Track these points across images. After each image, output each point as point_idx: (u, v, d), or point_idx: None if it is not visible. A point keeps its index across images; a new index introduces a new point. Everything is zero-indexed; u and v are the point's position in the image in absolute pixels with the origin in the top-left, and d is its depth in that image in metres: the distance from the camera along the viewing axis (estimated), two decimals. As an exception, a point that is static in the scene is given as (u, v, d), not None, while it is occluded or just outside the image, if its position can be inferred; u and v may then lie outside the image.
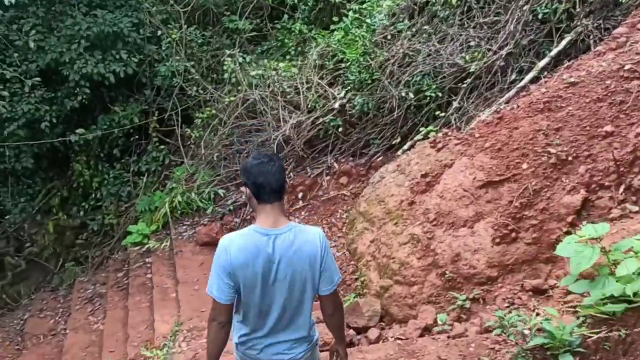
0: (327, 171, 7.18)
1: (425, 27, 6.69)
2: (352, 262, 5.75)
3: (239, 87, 7.60)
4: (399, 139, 6.74)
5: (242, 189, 2.64)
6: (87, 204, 9.28)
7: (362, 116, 7.01)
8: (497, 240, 3.92)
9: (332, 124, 7.04)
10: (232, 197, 7.43)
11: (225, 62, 7.52)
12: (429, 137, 5.85)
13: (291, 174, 7.28)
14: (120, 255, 7.94)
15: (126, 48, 8.11)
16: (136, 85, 8.70)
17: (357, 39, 6.68)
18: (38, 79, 7.58)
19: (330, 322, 2.76)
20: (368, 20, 6.81)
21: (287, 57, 8.19)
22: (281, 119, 7.23)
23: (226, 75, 7.66)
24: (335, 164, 7.16)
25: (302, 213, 7.14)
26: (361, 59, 6.65)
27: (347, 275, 5.73)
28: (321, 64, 7.55)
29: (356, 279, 5.04)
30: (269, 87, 7.47)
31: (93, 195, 9.18)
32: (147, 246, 7.46)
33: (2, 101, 7.50)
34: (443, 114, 6.28)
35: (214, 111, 7.79)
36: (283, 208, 2.56)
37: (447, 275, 3.97)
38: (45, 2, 8.11)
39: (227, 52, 7.77)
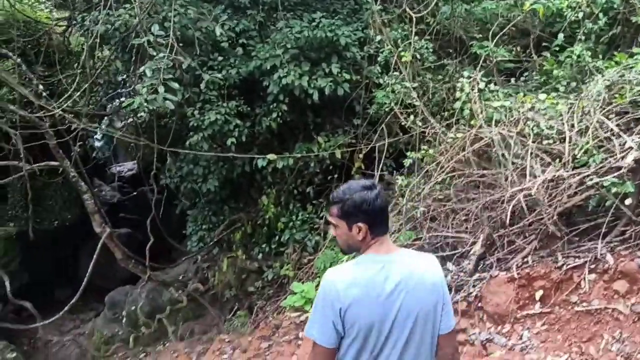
0: (593, 265, 4.34)
1: None
2: None
3: (472, 122, 5.34)
4: None
5: (354, 229, 2.17)
6: (268, 246, 7.81)
7: (673, 184, 4.11)
8: None
9: (613, 190, 4.25)
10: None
11: (460, 83, 5.36)
12: None
13: (529, 258, 4.63)
14: (275, 318, 6.12)
15: (341, 63, 6.53)
16: (346, 113, 7.04)
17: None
18: (217, 75, 6.32)
19: None
20: None
21: (554, 94, 5.69)
22: (527, 173, 4.72)
23: (457, 104, 5.49)
24: (609, 257, 4.28)
25: (537, 323, 4.41)
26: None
27: None
28: (608, 101, 4.88)
29: None
30: (515, 124, 5.06)
31: (277, 237, 7.68)
32: (306, 315, 5.50)
33: (192, 107, 6.47)
34: None
35: (431, 151, 5.62)
36: None
37: None
38: (267, 8, 7.06)
39: (465, 73, 5.61)
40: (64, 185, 10.21)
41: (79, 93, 6.43)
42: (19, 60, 6.58)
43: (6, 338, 9.04)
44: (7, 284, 7.15)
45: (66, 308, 7.03)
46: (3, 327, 8.24)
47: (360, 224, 2.16)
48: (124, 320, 9.42)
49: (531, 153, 4.81)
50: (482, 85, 5.44)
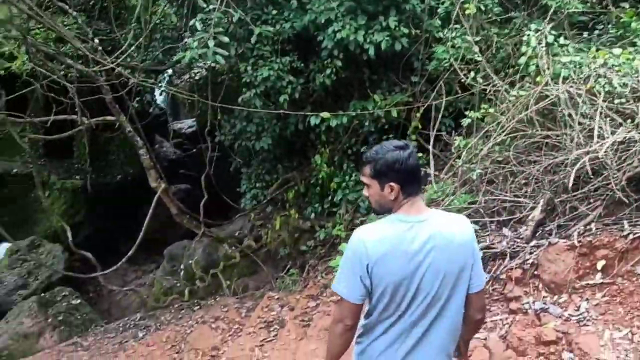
0: (664, 236, 4.02)
1: None
2: None
3: (538, 79, 4.97)
4: None
5: (386, 189, 2.17)
6: (321, 206, 7.74)
7: None
8: None
9: (693, 154, 3.88)
10: (487, 240, 4.83)
11: (527, 36, 4.98)
12: None
13: (592, 225, 4.32)
14: (324, 278, 6.08)
15: (399, 17, 6.22)
16: (403, 69, 6.75)
17: None
18: (269, 29, 6.15)
19: (470, 331, 2.38)
20: None
21: (631, 49, 5.21)
22: (595, 134, 4.37)
23: (522, 60, 5.13)
24: (683, 227, 3.95)
25: (597, 295, 4.13)
26: None
27: None
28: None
29: None
30: (585, 82, 4.67)
31: (330, 197, 7.59)
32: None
33: (245, 63, 6.38)
34: None
35: (492, 110, 5.31)
36: None
37: None
38: (324, -42, 6.78)
39: (533, 26, 5.21)
40: (126, 141, 10.48)
41: (132, 48, 6.44)
42: (74, 14, 6.67)
43: (73, 286, 9.54)
44: (69, 234, 7.46)
45: (124, 259, 7.27)
46: (69, 275, 8.65)
47: (392, 184, 2.16)
48: (181, 273, 9.70)
49: (601, 113, 4.45)
50: (550, 39, 5.04)
